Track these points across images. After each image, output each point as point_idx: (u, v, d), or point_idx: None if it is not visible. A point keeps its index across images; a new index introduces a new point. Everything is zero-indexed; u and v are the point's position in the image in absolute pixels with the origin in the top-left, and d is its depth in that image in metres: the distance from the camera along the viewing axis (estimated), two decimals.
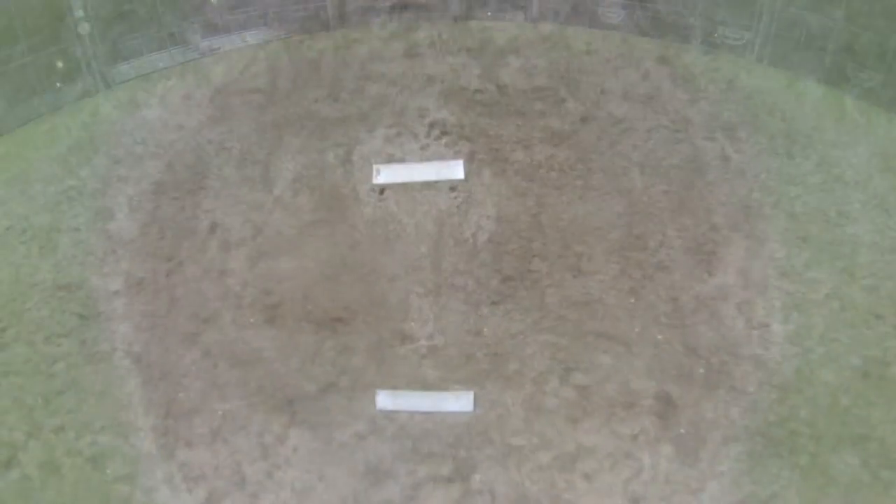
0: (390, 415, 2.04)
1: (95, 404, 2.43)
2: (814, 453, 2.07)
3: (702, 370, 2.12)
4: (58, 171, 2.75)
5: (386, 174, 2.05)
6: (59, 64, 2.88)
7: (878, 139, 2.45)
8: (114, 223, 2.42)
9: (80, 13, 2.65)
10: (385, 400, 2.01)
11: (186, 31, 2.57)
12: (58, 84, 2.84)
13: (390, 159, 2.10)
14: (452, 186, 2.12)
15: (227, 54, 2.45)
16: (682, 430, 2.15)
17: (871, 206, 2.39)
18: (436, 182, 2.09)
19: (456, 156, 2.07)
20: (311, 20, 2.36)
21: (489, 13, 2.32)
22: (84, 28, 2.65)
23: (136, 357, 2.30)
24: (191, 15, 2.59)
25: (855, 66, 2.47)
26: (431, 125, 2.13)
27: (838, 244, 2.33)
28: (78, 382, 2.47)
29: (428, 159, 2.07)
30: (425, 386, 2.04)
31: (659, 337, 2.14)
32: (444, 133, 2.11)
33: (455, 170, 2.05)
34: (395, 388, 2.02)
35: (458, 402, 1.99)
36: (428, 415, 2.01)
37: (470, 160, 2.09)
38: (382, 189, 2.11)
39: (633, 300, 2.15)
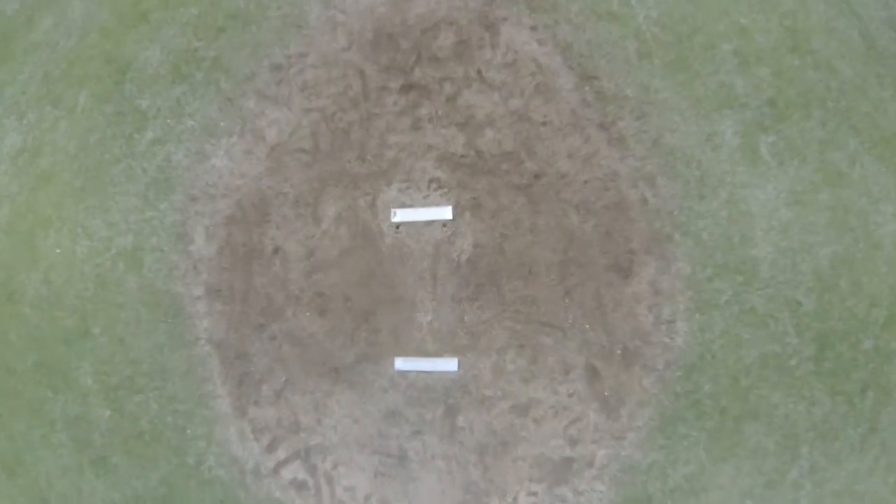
0: (404, 374, 2.98)
1: (179, 382, 3.22)
2: (720, 421, 2.72)
3: (619, 351, 2.86)
4: (137, 204, 3.46)
5: (400, 215, 3.00)
6: (130, 115, 3.58)
7: (788, 178, 2.77)
8: (193, 245, 3.19)
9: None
10: (400, 364, 2.96)
11: (240, 97, 3.38)
12: (131, 132, 3.54)
13: (403, 205, 3.05)
14: (444, 224, 3.09)
15: (277, 119, 3.31)
16: (606, 393, 2.99)
17: (773, 231, 2.75)
18: (433, 221, 3.06)
19: (447, 203, 3.05)
20: (342, 96, 3.26)
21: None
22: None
23: (216, 343, 3.11)
24: (244, 83, 3.41)
25: (774, 117, 2.80)
26: (430, 181, 3.09)
27: (740, 262, 2.76)
28: (164, 367, 3.24)
29: (428, 205, 3.02)
30: (427, 354, 3.00)
31: (586, 326, 2.93)
32: (439, 187, 3.08)
33: (446, 212, 3.01)
34: (406, 356, 2.99)
35: (448, 365, 2.94)
36: (428, 374, 2.98)
37: (456, 206, 3.06)
38: (398, 225, 3.05)
39: (567, 300, 2.93)
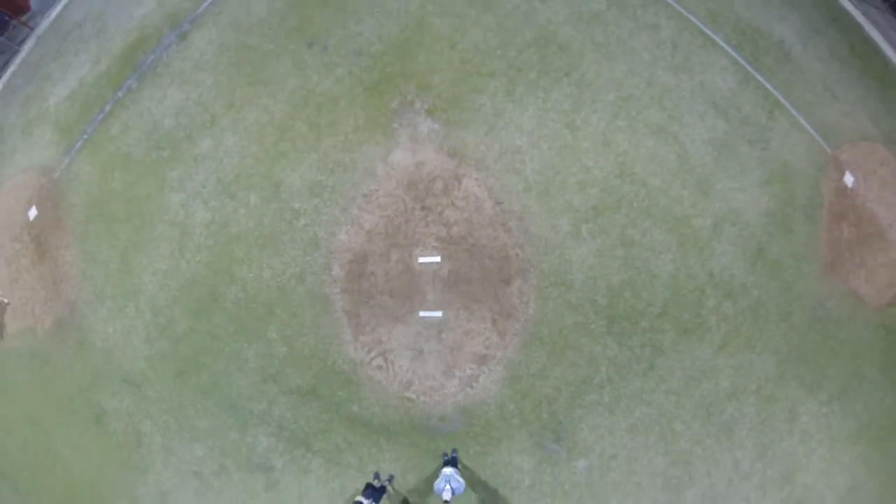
0: (422, 318, 7.66)
1: (326, 329, 7.47)
2: (553, 348, 7.72)
3: (505, 314, 8.12)
4: (300, 253, 7.37)
5: (421, 259, 7.54)
6: (287, 214, 7.49)
7: (595, 247, 8.84)
8: (333, 272, 7.29)
9: None
10: (422, 314, 7.64)
11: (353, 208, 7.62)
12: (290, 219, 7.43)
13: (422, 254, 7.61)
14: (436, 263, 7.79)
15: (370, 220, 7.66)
16: (499, 329, 8.19)
17: (584, 264, 8.66)
18: (432, 261, 7.68)
19: (438, 254, 7.70)
20: (395, 210, 7.77)
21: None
22: None
23: (346, 311, 7.37)
24: (351, 204, 7.67)
25: (594, 214, 8.93)
26: (431, 246, 7.78)
27: (563, 279, 7.93)
28: (318, 324, 7.39)
29: (430, 255, 7.60)
30: (430, 309, 7.67)
31: (493, 303, 7.88)
32: (435, 248, 7.78)
33: (437, 258, 7.58)
34: (424, 310, 7.66)
35: (438, 314, 7.63)
36: (430, 317, 7.71)
37: (441, 256, 7.74)
38: (420, 263, 7.66)
39: (485, 292, 7.88)
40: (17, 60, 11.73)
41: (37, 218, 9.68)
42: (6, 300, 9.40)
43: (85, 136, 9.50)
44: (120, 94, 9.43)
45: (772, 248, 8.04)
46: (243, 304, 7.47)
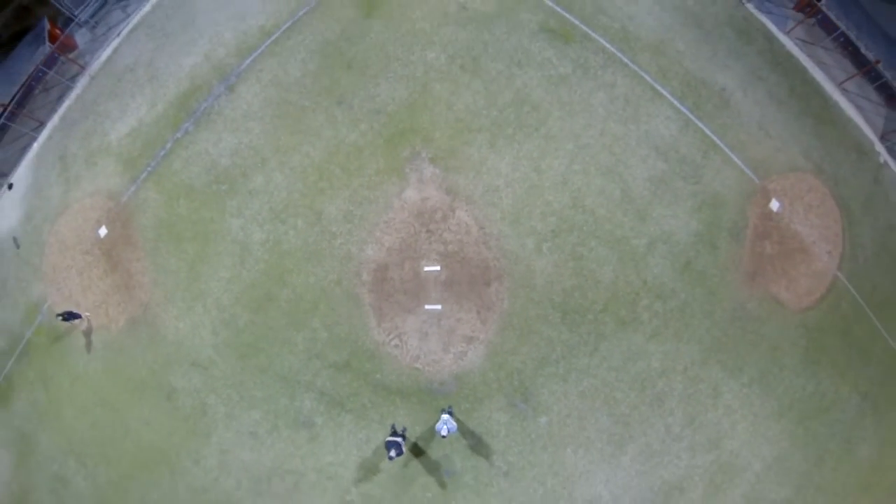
0: (428, 311, 10.39)
1: (357, 319, 10.12)
2: (523, 332, 10.70)
3: (485, 307, 10.94)
4: (338, 264, 9.89)
5: (426, 268, 10.36)
6: (321, 228, 10.04)
7: (552, 265, 11.92)
8: (363, 277, 9.86)
9: None
10: (426, 307, 10.39)
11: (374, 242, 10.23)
12: (336, 233, 9.97)
13: (427, 265, 10.39)
14: (437, 270, 10.57)
15: (389, 241, 10.34)
16: (482, 317, 10.89)
17: (543, 274, 11.55)
18: (434, 269, 10.47)
19: (438, 265, 10.47)
20: (408, 234, 10.50)
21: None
22: None
23: (371, 305, 10.01)
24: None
25: (552, 236, 11.82)
26: (433, 258, 10.50)
27: (528, 282, 10.64)
28: (351, 314, 10.01)
29: (432, 265, 10.40)
30: (433, 303, 10.39)
31: (478, 298, 10.74)
32: (436, 260, 10.50)
33: (437, 267, 10.40)
34: (427, 304, 10.41)
35: (438, 306, 10.41)
36: (433, 310, 10.43)
37: (440, 265, 10.51)
38: (425, 270, 10.40)
39: (472, 291, 10.86)
40: (72, 96, 13.70)
41: (107, 235, 11.83)
42: (88, 314, 11.43)
43: (149, 169, 11.70)
44: (178, 134, 11.68)
45: (698, 262, 10.27)
46: (293, 302, 9.99)
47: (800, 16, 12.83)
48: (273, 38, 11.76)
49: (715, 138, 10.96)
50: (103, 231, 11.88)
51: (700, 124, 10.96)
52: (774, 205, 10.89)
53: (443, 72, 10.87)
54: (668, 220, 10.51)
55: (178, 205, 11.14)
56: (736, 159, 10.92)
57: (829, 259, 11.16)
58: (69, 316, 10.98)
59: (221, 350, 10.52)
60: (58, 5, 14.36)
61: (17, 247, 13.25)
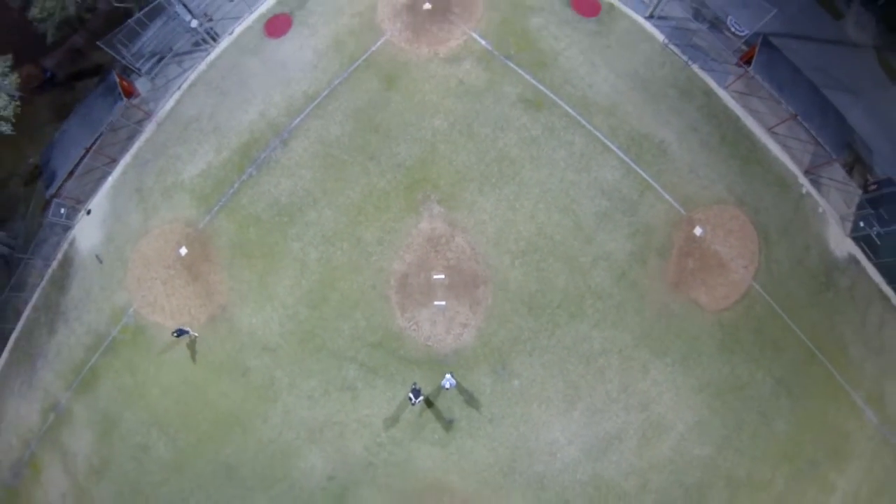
0: (436, 306, 14.79)
1: (386, 311, 14.43)
2: (504, 316, 15.05)
3: (476, 302, 15.41)
4: (372, 275, 14.05)
5: (436, 277, 14.80)
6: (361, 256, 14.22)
7: (525, 276, 16.54)
8: (392, 282, 14.08)
9: None
10: (435, 304, 14.80)
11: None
12: (377, 261, 14.09)
13: (436, 274, 14.85)
14: (441, 278, 14.95)
15: (411, 258, 14.71)
16: (472, 310, 15.56)
17: (513, 282, 16.18)
18: (440, 277, 14.92)
19: (442, 274, 14.87)
20: (420, 253, 14.90)
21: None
22: None
23: (399, 303, 14.30)
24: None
25: (521, 254, 16.41)
26: (440, 269, 14.98)
27: (506, 287, 14.97)
28: (381, 308, 14.28)
29: (439, 274, 14.82)
30: (438, 300, 14.88)
31: (467, 296, 15.44)
32: (441, 271, 14.97)
33: (441, 275, 14.81)
34: (437, 301, 14.84)
35: (442, 302, 14.83)
36: (439, 306, 14.86)
37: (444, 275, 14.93)
38: (437, 278, 14.85)
39: (463, 292, 15.32)
40: (142, 138, 16.92)
41: (187, 254, 15.37)
42: (196, 334, 14.69)
43: (221, 203, 15.37)
44: (244, 177, 15.41)
45: (631, 273, 14.36)
46: (340, 301, 14.10)
47: (740, 70, 15.06)
48: (315, 102, 15.67)
49: (651, 181, 14.59)
50: (183, 250, 15.43)
51: (639, 170, 14.63)
52: (698, 230, 13.82)
53: (446, 135, 15.24)
54: (608, 243, 14.74)
55: (248, 231, 14.93)
56: (667, 196, 14.39)
57: (745, 272, 13.70)
58: (180, 332, 14.37)
59: (286, 337, 14.50)
60: (120, 59, 17.46)
61: (101, 262, 16.45)
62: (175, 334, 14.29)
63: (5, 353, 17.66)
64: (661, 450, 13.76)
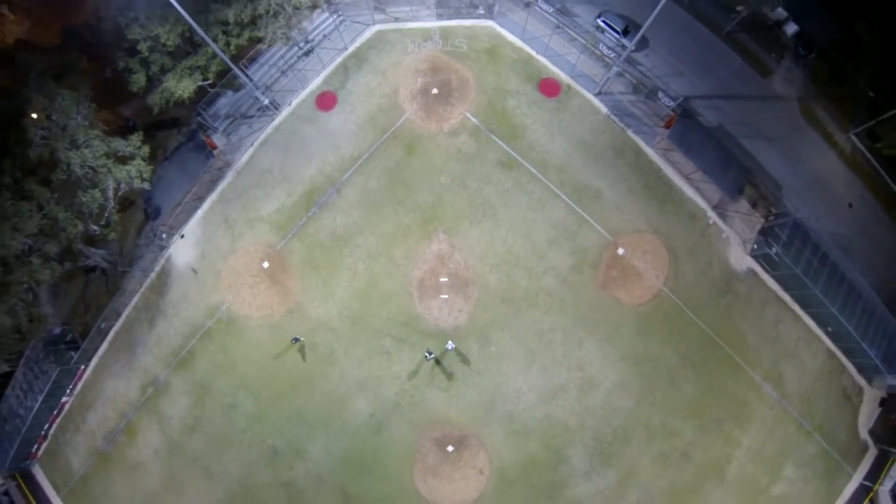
0: (442, 298, 22.64)
1: (409, 304, 22.23)
2: (497, 311, 23.29)
3: (469, 298, 23.54)
4: (400, 283, 21.61)
5: (441, 279, 22.80)
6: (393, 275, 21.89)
7: (503, 283, 24.71)
8: (415, 290, 21.72)
9: None
10: (441, 297, 22.70)
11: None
12: (403, 274, 21.69)
13: (442, 276, 22.88)
14: (444, 279, 23.01)
15: (422, 264, 22.65)
16: (466, 304, 23.67)
17: (492, 291, 24.31)
18: (444, 279, 22.91)
19: (446, 276, 22.90)
20: (435, 263, 22.94)
21: None
22: None
23: (419, 298, 22.04)
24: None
25: (499, 263, 24.50)
26: (445, 275, 23.03)
27: (487, 290, 24.01)
28: (412, 309, 22.05)
29: (444, 276, 22.84)
30: (445, 294, 22.82)
31: (461, 296, 23.43)
32: (444, 275, 23.02)
33: (445, 278, 22.84)
34: (442, 295, 22.78)
35: (445, 297, 22.96)
36: (445, 298, 22.89)
37: (447, 277, 22.99)
38: (441, 278, 22.84)
39: (460, 292, 23.38)
40: (225, 182, 23.21)
41: (268, 267, 22.06)
42: (303, 339, 21.08)
43: (293, 232, 22.30)
44: (309, 214, 22.45)
45: (571, 279, 22.30)
46: (380, 296, 21.56)
47: (665, 131, 20.65)
48: (359, 163, 23.00)
49: (587, 217, 22.43)
50: (266, 264, 22.13)
51: (579, 210, 22.48)
52: (621, 251, 20.98)
53: (448, 188, 23.21)
54: (556, 259, 23.21)
55: (315, 251, 22.03)
56: (599, 228, 22.11)
57: (657, 280, 19.90)
58: (296, 339, 21.14)
59: (343, 320, 21.79)
60: (203, 121, 23.61)
61: (196, 273, 22.55)
62: (293, 341, 21.00)
63: (105, 344, 23.05)
64: (594, 399, 20.80)
